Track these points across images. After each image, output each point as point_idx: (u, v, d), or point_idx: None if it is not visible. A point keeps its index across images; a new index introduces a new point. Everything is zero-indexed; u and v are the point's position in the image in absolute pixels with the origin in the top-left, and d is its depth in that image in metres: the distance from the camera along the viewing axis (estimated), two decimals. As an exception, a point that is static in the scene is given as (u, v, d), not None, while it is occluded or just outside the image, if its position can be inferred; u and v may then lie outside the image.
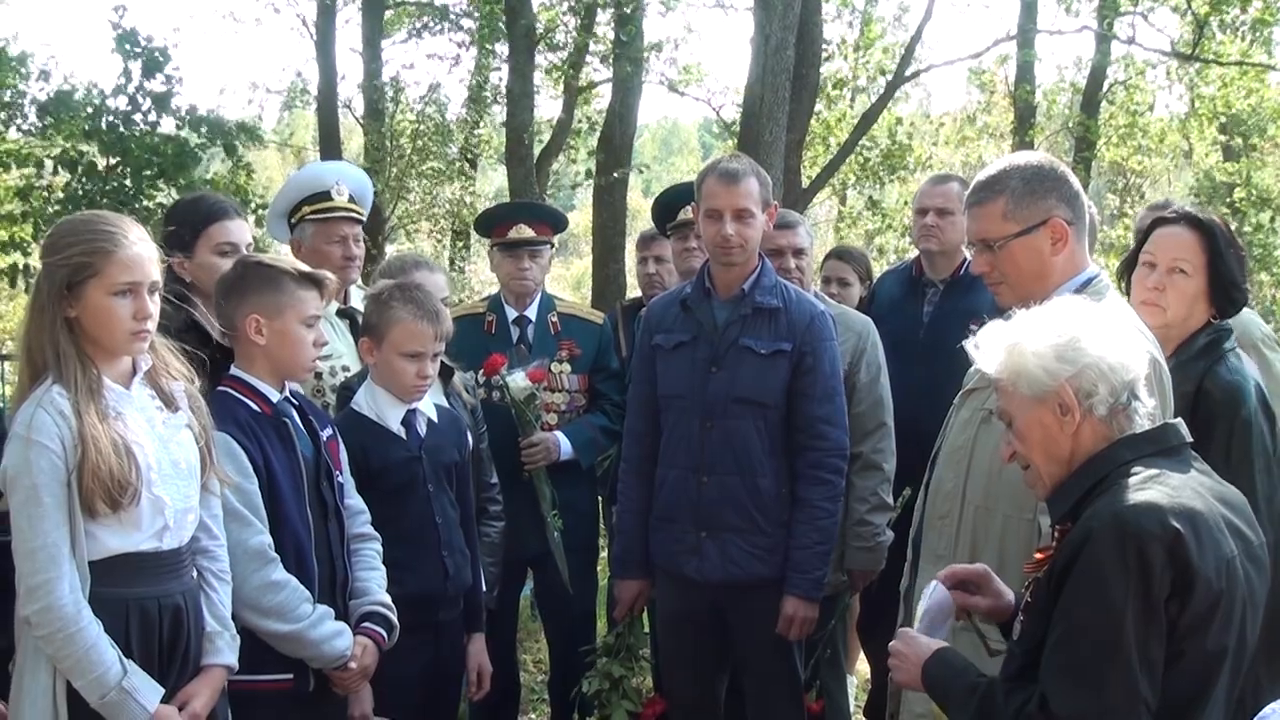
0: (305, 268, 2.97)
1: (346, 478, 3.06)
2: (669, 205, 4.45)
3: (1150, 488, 2.01)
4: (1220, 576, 1.97)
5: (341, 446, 3.08)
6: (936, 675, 2.23)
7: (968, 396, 2.93)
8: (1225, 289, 3.06)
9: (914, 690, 2.34)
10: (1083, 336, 2.12)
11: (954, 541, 2.88)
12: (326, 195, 3.78)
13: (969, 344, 2.30)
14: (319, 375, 3.57)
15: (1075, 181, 2.77)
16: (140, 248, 2.50)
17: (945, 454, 2.96)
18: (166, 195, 8.84)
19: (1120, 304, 2.68)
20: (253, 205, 8.69)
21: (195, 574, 2.61)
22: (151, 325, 2.52)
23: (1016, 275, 2.72)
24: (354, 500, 3.07)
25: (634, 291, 7.01)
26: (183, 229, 3.37)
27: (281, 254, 3.84)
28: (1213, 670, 2.00)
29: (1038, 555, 2.21)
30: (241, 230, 3.43)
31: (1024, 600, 2.22)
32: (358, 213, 3.83)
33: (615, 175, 11.07)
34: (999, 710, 2.06)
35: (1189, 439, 2.17)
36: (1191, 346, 3.03)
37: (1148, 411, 2.14)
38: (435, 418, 3.36)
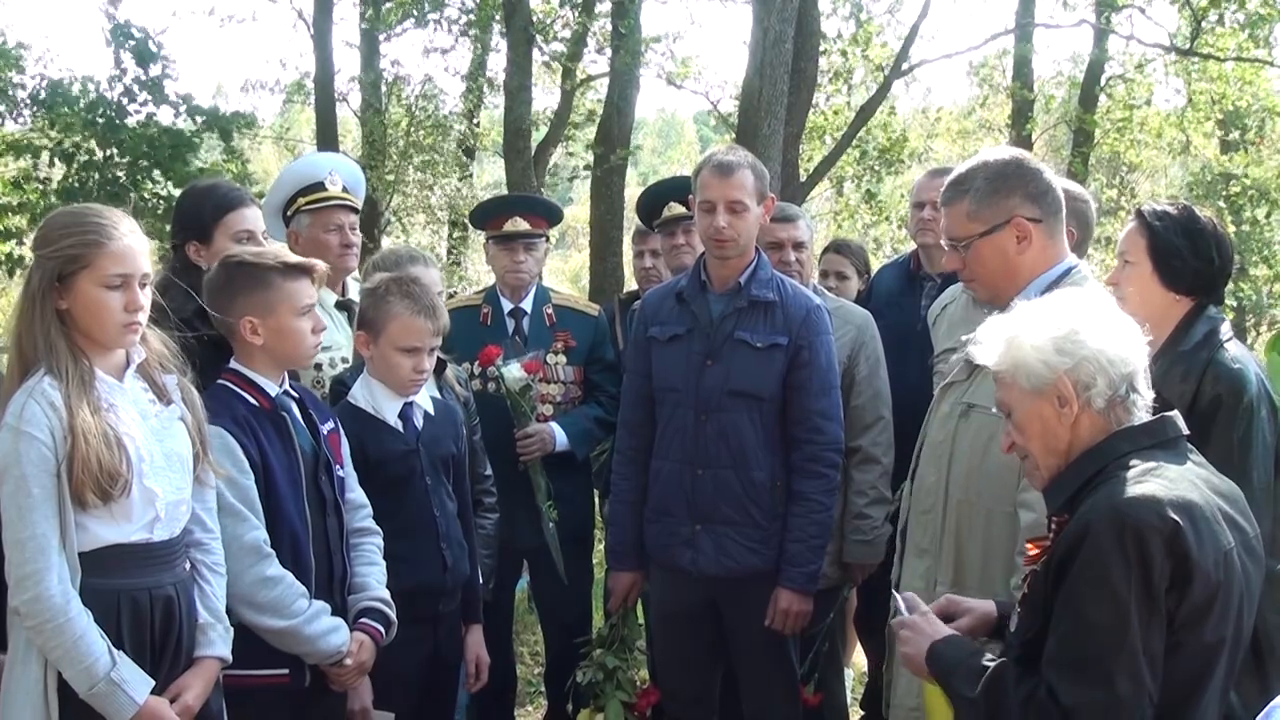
0: (291, 258, 2.93)
1: (348, 471, 3.05)
2: (654, 200, 4.43)
3: (1148, 480, 2.00)
4: (1218, 568, 1.97)
5: (344, 440, 3.06)
6: (944, 652, 2.22)
7: (947, 390, 2.93)
8: (1168, 266, 2.92)
9: (914, 668, 2.30)
10: (1082, 329, 2.11)
11: (939, 535, 2.88)
12: (320, 186, 3.77)
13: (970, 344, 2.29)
14: (319, 366, 3.57)
15: (1045, 177, 2.74)
16: (131, 240, 2.49)
17: (927, 449, 2.96)
18: (163, 186, 8.83)
19: (1104, 293, 2.66)
20: (256, 192, 8.70)
21: (188, 566, 2.60)
22: (143, 318, 2.51)
23: (984, 273, 2.75)
24: (355, 494, 3.05)
25: (631, 284, 7.00)
26: (199, 216, 3.36)
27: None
28: (1210, 662, 2.00)
29: (1030, 548, 2.20)
30: (257, 218, 3.43)
31: (1021, 592, 2.21)
32: (352, 202, 3.84)
33: (613, 158, 11.03)
34: (1008, 692, 2.05)
35: (1185, 431, 2.16)
36: (1189, 337, 2.91)
37: (1146, 404, 2.14)
38: (431, 410, 3.34)
